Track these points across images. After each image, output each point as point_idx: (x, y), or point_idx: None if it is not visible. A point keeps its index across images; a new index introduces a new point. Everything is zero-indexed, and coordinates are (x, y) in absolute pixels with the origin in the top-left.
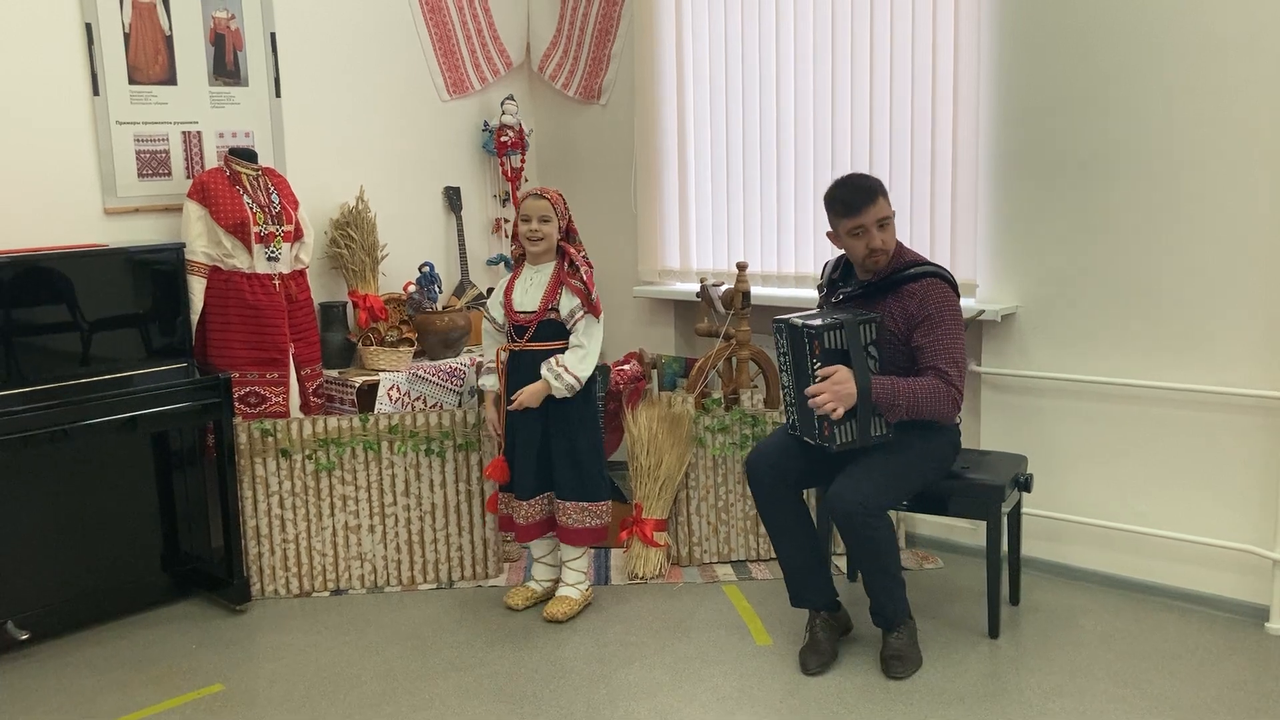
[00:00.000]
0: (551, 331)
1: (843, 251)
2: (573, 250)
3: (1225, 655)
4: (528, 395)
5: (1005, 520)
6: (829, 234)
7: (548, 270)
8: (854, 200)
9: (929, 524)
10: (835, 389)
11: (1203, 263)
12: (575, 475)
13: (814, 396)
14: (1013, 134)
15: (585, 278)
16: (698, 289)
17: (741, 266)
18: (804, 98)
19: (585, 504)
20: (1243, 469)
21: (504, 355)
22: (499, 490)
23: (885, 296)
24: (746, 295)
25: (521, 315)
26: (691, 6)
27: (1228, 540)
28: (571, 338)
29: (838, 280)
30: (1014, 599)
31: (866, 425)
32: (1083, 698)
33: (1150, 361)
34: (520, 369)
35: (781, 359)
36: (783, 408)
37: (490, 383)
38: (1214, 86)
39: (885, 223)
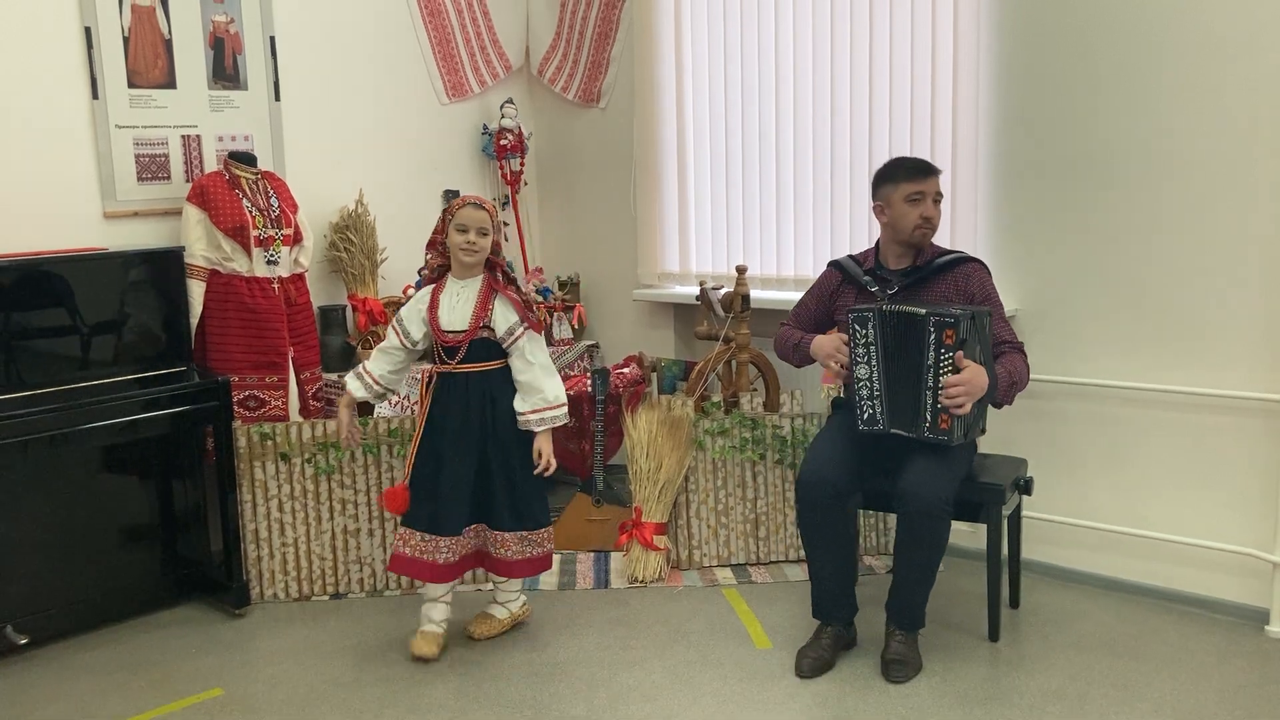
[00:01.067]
0: (485, 352)
1: (853, 252)
2: (501, 262)
3: (1225, 658)
4: (548, 458)
5: (1005, 523)
6: (876, 206)
7: (475, 285)
8: (921, 166)
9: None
10: (972, 384)
11: (1203, 265)
12: (512, 502)
13: (950, 388)
14: (1012, 136)
15: (524, 291)
16: (697, 292)
17: (741, 270)
18: (803, 101)
19: (525, 533)
20: (1243, 472)
21: (432, 376)
22: (399, 525)
23: (935, 282)
24: (746, 298)
25: (450, 335)
26: (691, 10)
27: (1228, 543)
28: (516, 361)
29: (875, 270)
30: (1014, 602)
31: (981, 416)
32: (1083, 701)
33: (1150, 364)
34: (452, 392)
35: (864, 349)
36: (859, 401)
37: (356, 387)
38: (1214, 87)
39: (939, 199)
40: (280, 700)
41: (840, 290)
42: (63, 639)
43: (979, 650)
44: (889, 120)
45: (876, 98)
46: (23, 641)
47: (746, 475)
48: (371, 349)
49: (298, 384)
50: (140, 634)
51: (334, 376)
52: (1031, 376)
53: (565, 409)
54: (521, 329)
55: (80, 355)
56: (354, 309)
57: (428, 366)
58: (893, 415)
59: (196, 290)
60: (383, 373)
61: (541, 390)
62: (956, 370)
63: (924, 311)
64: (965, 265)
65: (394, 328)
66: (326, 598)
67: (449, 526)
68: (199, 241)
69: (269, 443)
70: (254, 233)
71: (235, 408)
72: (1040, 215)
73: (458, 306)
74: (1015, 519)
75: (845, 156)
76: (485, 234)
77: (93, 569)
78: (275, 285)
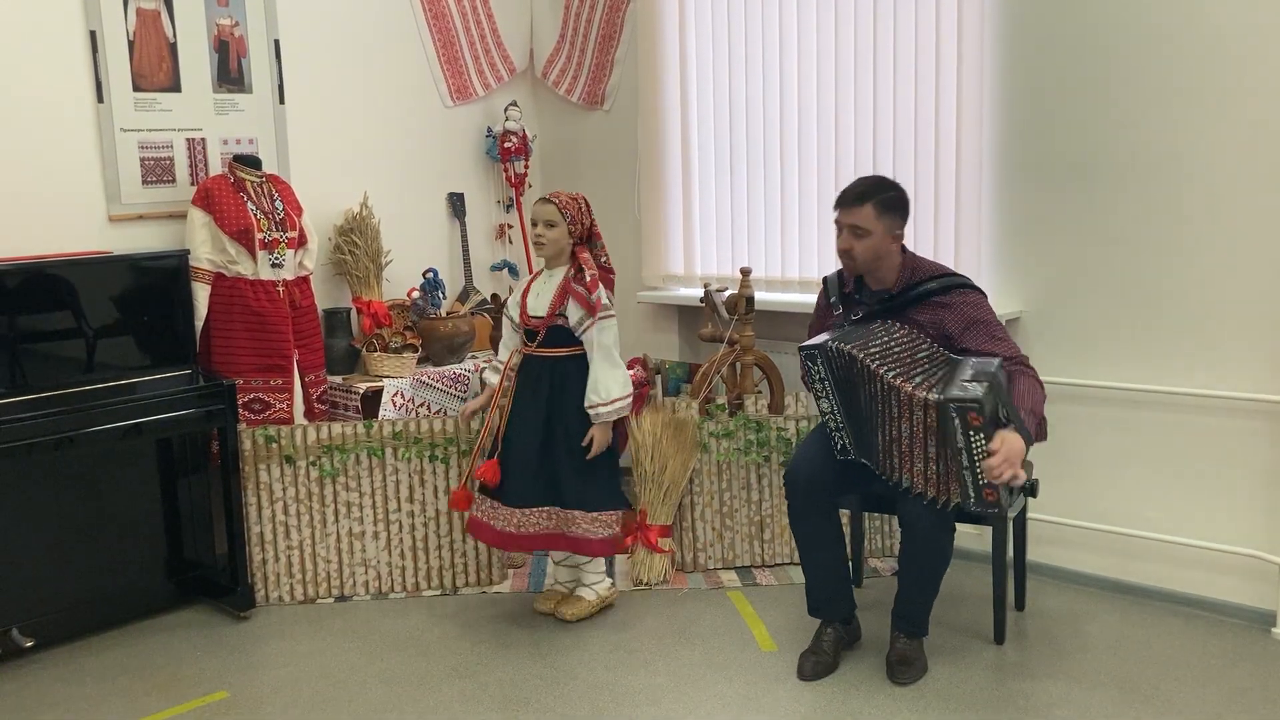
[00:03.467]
0: (562, 337)
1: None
2: (585, 256)
3: (1231, 661)
4: (598, 444)
5: (1011, 525)
6: None
7: (559, 275)
8: (841, 196)
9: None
10: (1011, 453)
11: (1208, 267)
12: (581, 483)
13: (994, 472)
14: (1017, 138)
15: (589, 282)
16: (701, 294)
17: (745, 272)
18: (808, 103)
19: (596, 514)
20: (1249, 474)
21: (516, 358)
22: (478, 492)
23: (909, 310)
24: (750, 300)
25: (533, 319)
26: (695, 11)
27: (1233, 546)
28: (587, 349)
29: (852, 294)
30: (1019, 604)
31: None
32: (1088, 703)
33: (1156, 366)
34: (529, 373)
35: (821, 384)
36: (832, 435)
37: (490, 378)
38: (1220, 90)
39: (860, 232)
40: (285, 703)
41: (829, 307)
42: (68, 642)
43: (984, 652)
44: (893, 122)
45: (881, 100)
46: (28, 644)
47: (751, 478)
48: (375, 352)
49: (302, 387)
50: (145, 637)
51: (338, 379)
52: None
53: (621, 404)
54: (590, 321)
55: (85, 358)
56: (358, 312)
57: (517, 345)
58: (859, 446)
59: (201, 293)
60: (507, 343)
61: (598, 385)
62: (989, 453)
63: (938, 396)
64: (945, 296)
65: (505, 316)
66: (331, 600)
67: (514, 498)
68: (204, 245)
69: (274, 445)
70: (259, 236)
71: (240, 411)
72: (1044, 218)
73: (542, 294)
74: (1020, 521)
75: (849, 159)
76: (552, 225)
77: (98, 572)
78: (280, 288)
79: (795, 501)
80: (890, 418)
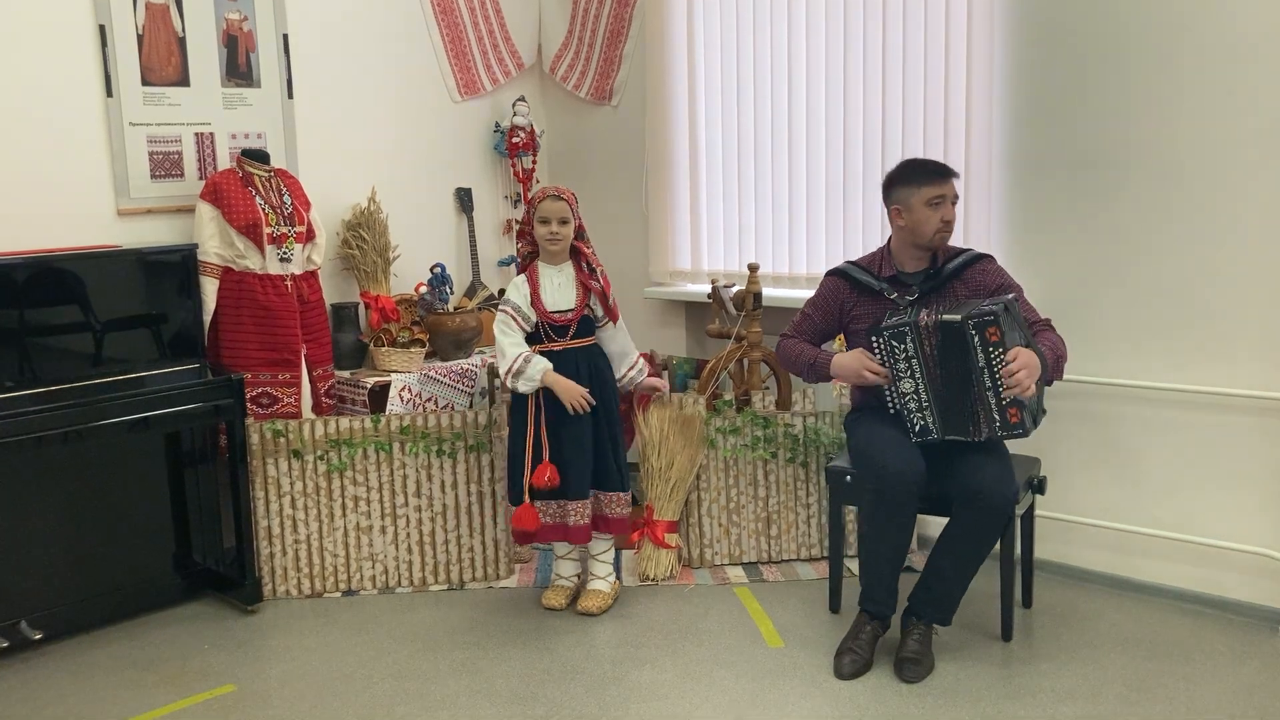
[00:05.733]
0: (588, 328)
1: (864, 252)
2: (587, 251)
3: (1238, 659)
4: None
5: (1019, 522)
6: (893, 209)
7: (569, 270)
8: (940, 169)
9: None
10: (1030, 364)
11: (1215, 264)
12: (618, 464)
13: (1012, 378)
14: (1026, 133)
15: (603, 281)
16: (709, 290)
17: (753, 268)
18: (816, 98)
19: (623, 494)
20: (1258, 472)
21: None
22: (531, 498)
23: (955, 283)
24: (758, 296)
25: (559, 315)
26: (703, 7)
27: (1241, 543)
28: (605, 332)
29: (893, 276)
30: (1027, 601)
31: (1040, 400)
32: (1095, 701)
33: (1164, 363)
34: (565, 366)
35: (906, 364)
36: (909, 414)
37: (540, 358)
38: (1228, 87)
39: (955, 201)
40: (292, 697)
41: (853, 300)
42: (76, 635)
43: (992, 650)
44: (902, 117)
45: (889, 95)
46: (37, 637)
47: (758, 474)
48: (383, 347)
49: (310, 381)
50: (153, 630)
51: (346, 374)
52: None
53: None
54: (605, 319)
55: (93, 352)
56: (366, 306)
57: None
58: (946, 424)
59: (210, 288)
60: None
61: (629, 354)
62: (1008, 362)
63: (960, 317)
64: (979, 263)
65: (512, 317)
66: (339, 595)
67: (578, 490)
68: (212, 239)
69: (281, 440)
70: (267, 230)
71: (248, 405)
72: (1054, 213)
73: (561, 289)
74: (1029, 518)
75: (858, 154)
76: (566, 222)
77: (106, 565)
78: (288, 283)
79: (893, 497)
80: (994, 365)
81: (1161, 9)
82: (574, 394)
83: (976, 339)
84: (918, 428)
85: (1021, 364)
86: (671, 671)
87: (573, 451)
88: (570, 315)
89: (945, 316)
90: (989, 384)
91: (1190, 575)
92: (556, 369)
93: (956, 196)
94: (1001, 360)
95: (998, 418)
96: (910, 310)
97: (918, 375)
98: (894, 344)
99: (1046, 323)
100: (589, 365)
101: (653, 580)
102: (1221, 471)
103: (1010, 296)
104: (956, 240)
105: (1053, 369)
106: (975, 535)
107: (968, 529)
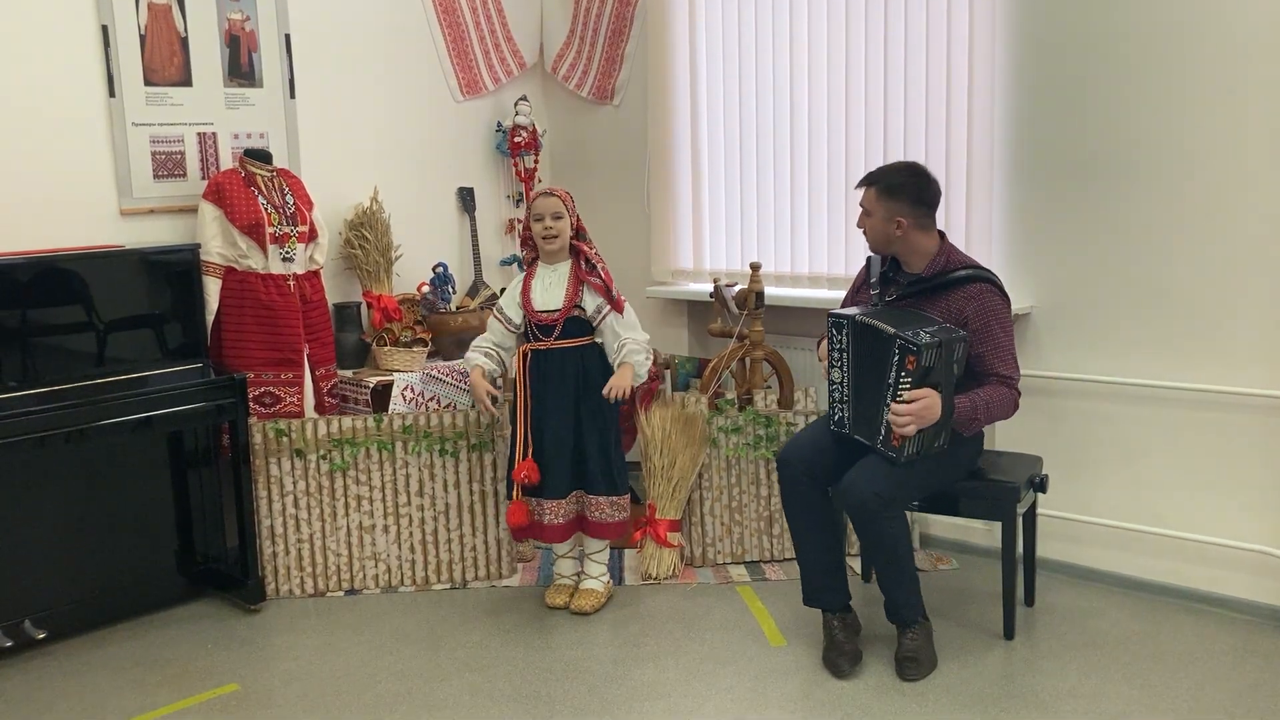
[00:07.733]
0: (577, 329)
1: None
2: (586, 248)
3: (1241, 657)
4: (621, 385)
5: (1020, 521)
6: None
7: (565, 268)
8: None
9: (944, 525)
10: (923, 414)
11: (1219, 263)
12: (606, 469)
13: (897, 415)
14: (1028, 133)
15: (604, 275)
16: (711, 289)
17: (755, 267)
18: (818, 97)
19: (615, 498)
20: (1259, 470)
21: (527, 354)
22: (520, 496)
23: (934, 296)
24: (760, 295)
25: (545, 314)
26: (705, 6)
27: (1244, 542)
28: (607, 337)
29: (888, 274)
30: (1029, 600)
31: (934, 439)
32: (1098, 699)
33: (1166, 362)
34: (549, 367)
35: (838, 354)
36: (831, 402)
37: (478, 359)
38: (1231, 86)
39: (864, 211)
40: (296, 696)
41: (863, 285)
42: (79, 634)
43: (994, 648)
44: (904, 117)
45: (891, 94)
46: (40, 636)
47: (760, 473)
48: (385, 346)
49: (313, 381)
50: (156, 630)
51: (349, 374)
52: (1047, 376)
53: (648, 352)
54: (607, 309)
55: (96, 352)
56: (369, 306)
57: (514, 344)
58: (855, 421)
59: (212, 287)
60: (497, 341)
61: (625, 342)
62: (905, 400)
63: (892, 331)
64: (969, 285)
65: (495, 317)
66: (341, 594)
67: (553, 489)
68: (215, 239)
69: (284, 439)
70: (269, 230)
71: (251, 404)
72: (1055, 213)
73: (550, 289)
74: (1030, 517)
75: (860, 154)
76: (559, 217)
77: (109, 565)
78: (291, 282)
79: (785, 484)
80: (899, 390)
81: (1162, 9)
82: (478, 394)
83: (896, 358)
84: (836, 417)
85: (915, 410)
86: (674, 670)
87: (552, 451)
88: (556, 315)
89: (878, 323)
90: (888, 400)
91: (1192, 574)
92: (542, 368)
93: (863, 207)
94: (906, 389)
95: (882, 432)
96: (876, 307)
97: (846, 368)
98: (833, 332)
99: (1006, 379)
100: (578, 367)
101: (655, 579)
102: (1224, 470)
103: (960, 334)
104: (959, 243)
105: (961, 425)
106: (863, 536)
107: (858, 530)
